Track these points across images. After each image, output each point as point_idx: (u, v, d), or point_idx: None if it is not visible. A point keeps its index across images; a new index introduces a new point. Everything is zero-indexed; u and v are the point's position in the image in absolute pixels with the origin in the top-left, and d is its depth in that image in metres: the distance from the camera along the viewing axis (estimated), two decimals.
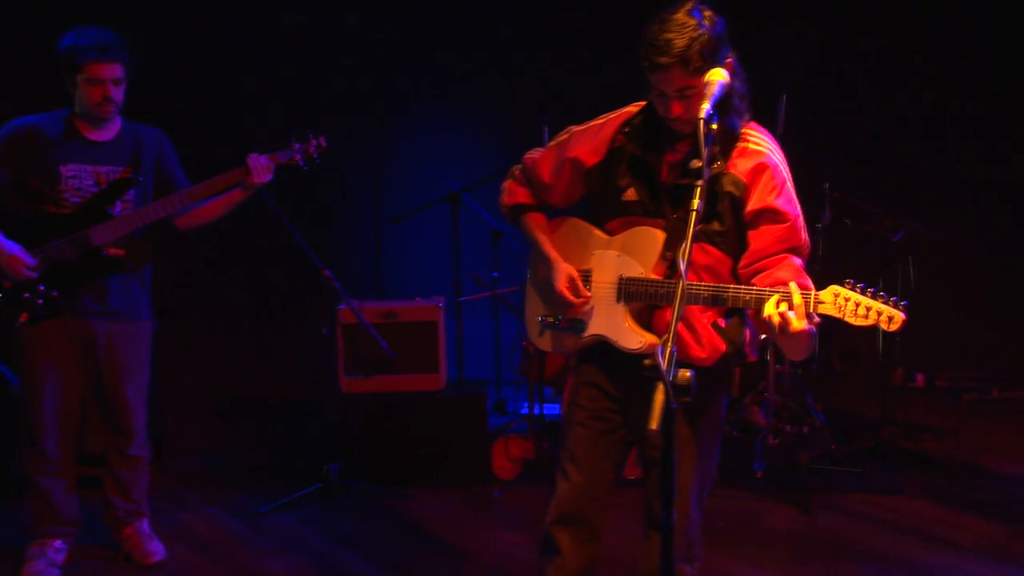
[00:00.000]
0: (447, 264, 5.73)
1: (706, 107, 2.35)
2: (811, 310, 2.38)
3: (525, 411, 5.58)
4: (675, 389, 2.04)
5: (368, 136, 6.92)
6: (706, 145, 2.29)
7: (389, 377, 5.10)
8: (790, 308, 2.37)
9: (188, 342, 6.68)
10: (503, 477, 5.11)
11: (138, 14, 6.18)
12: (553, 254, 2.84)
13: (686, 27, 2.47)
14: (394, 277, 6.89)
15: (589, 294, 2.76)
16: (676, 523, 2.78)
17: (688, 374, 2.05)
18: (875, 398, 6.00)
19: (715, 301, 2.53)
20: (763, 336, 2.72)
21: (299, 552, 4.35)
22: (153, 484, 4.30)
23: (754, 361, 2.83)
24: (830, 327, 2.51)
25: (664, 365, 2.03)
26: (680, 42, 2.46)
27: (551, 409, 5.68)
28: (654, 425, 2.00)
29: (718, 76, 2.44)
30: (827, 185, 5.33)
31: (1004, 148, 7.16)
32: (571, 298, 2.75)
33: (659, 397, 2.01)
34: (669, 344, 2.07)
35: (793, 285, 2.40)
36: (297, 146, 4.14)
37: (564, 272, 2.78)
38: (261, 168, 3.99)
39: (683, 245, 2.20)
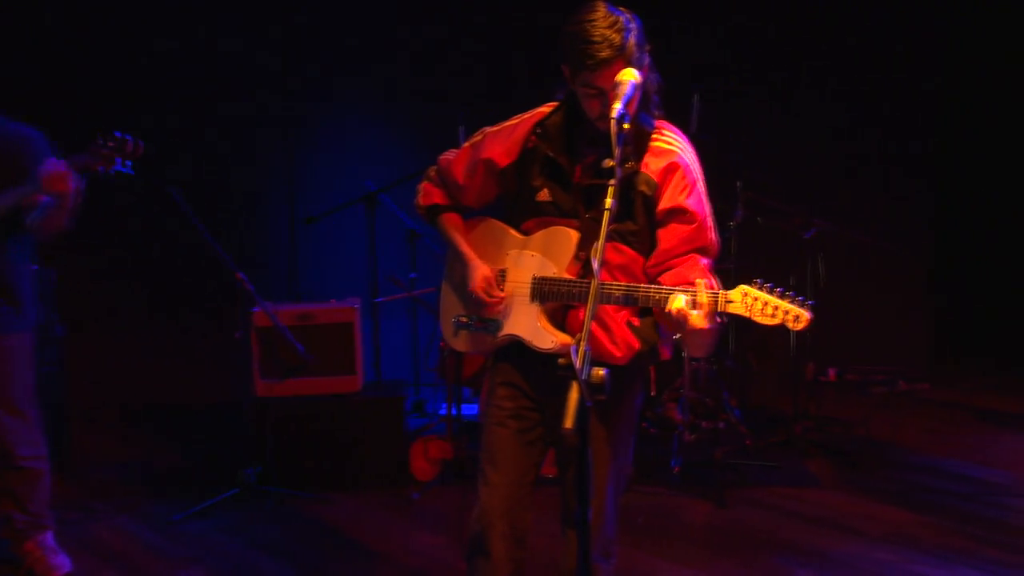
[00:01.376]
0: (364, 265, 5.69)
1: (618, 107, 2.36)
2: (720, 309, 2.41)
3: (444, 412, 5.56)
4: (589, 388, 2.04)
5: (282, 137, 6.83)
6: (619, 144, 2.29)
7: (305, 380, 5.04)
8: (695, 306, 2.40)
9: (96, 348, 6.53)
10: (422, 478, 5.09)
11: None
12: (469, 254, 2.83)
13: (617, 23, 2.49)
14: (310, 279, 6.81)
15: (503, 294, 2.76)
16: (592, 520, 2.80)
17: (602, 372, 2.05)
18: (788, 393, 6.11)
19: (628, 301, 2.54)
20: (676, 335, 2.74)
21: (215, 560, 4.27)
22: (59, 495, 4.17)
23: (668, 359, 2.84)
24: (745, 324, 2.56)
25: (578, 364, 2.03)
26: (617, 37, 2.47)
27: (469, 409, 5.67)
28: (569, 424, 1.99)
29: (629, 76, 2.46)
30: (739, 183, 5.43)
31: (913, 148, 7.38)
32: (485, 298, 2.75)
33: (573, 396, 2.01)
34: (583, 343, 2.07)
35: (700, 283, 2.42)
36: (104, 150, 3.58)
37: (480, 272, 2.77)
38: (55, 176, 3.51)
39: (596, 244, 2.21)
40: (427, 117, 6.60)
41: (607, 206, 2.24)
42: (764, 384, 6.66)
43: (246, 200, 6.84)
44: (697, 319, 2.39)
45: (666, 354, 2.80)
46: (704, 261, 2.62)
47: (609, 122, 2.50)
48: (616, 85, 2.45)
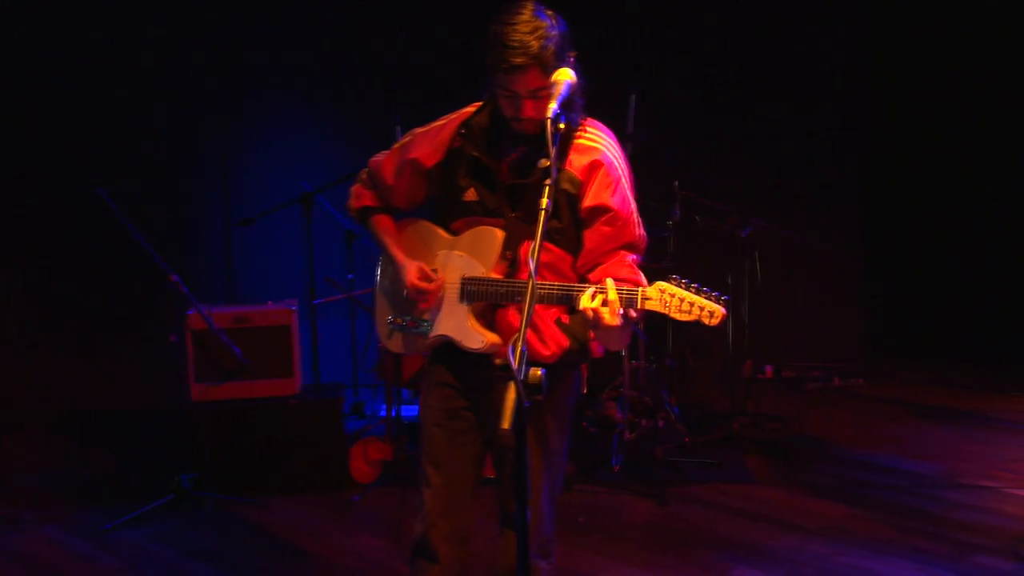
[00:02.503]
0: (301, 267, 5.62)
1: (553, 107, 2.37)
2: (639, 307, 2.42)
3: (383, 413, 5.53)
4: (526, 388, 2.04)
5: (217, 137, 6.73)
6: (554, 144, 2.30)
7: (242, 383, 4.97)
8: (605, 304, 2.41)
9: (25, 354, 6.37)
10: (362, 480, 5.05)
11: None
12: (399, 254, 2.83)
13: (538, 28, 2.47)
14: (246, 281, 6.72)
15: (441, 277, 2.74)
16: (530, 520, 2.80)
17: (539, 373, 2.05)
18: (726, 390, 6.19)
19: (561, 300, 2.54)
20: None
21: (150, 568, 4.19)
22: None
23: (601, 356, 2.86)
24: (684, 323, 2.57)
25: (515, 364, 2.02)
26: (535, 43, 2.46)
27: (409, 411, 5.64)
28: (506, 424, 1.98)
29: (565, 76, 2.47)
30: (676, 183, 5.47)
31: (845, 147, 7.51)
32: (424, 285, 2.72)
33: (510, 396, 2.00)
34: (520, 343, 2.06)
35: (609, 281, 2.43)
36: None
37: (414, 266, 2.76)
38: None
39: (533, 244, 2.20)
40: (363, 117, 6.55)
41: (543, 206, 2.25)
42: (702, 382, 6.72)
43: (180, 201, 6.72)
44: (607, 316, 2.40)
45: (598, 352, 2.81)
46: (631, 257, 2.64)
47: (523, 123, 2.56)
48: (552, 85, 2.47)
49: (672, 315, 2.40)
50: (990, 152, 7.55)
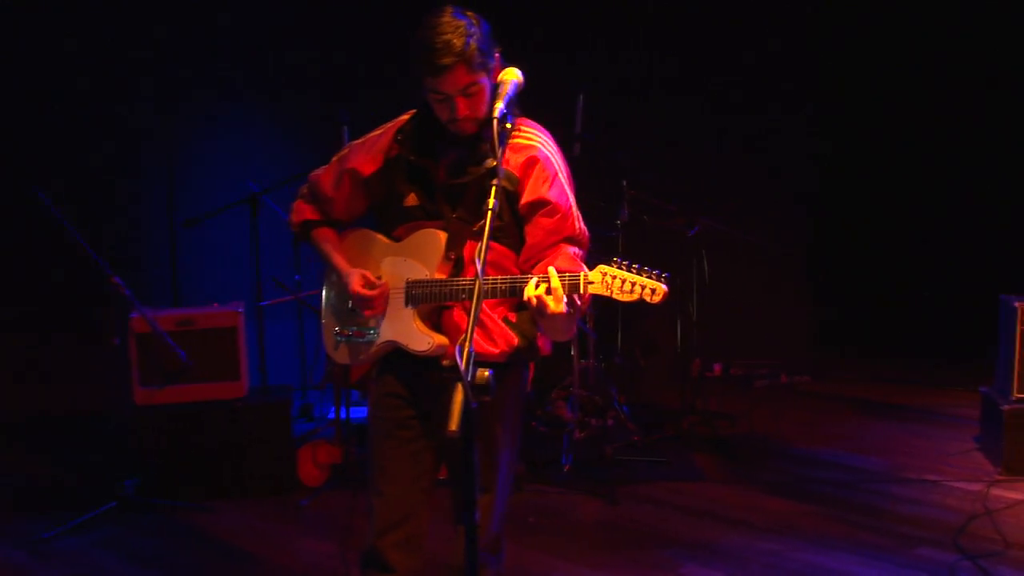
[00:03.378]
0: (247, 268, 5.55)
1: (500, 106, 2.40)
2: (583, 291, 2.43)
3: (332, 416, 5.48)
4: (474, 388, 2.03)
5: (161, 136, 6.62)
6: (501, 144, 2.32)
7: (187, 387, 4.90)
8: (548, 292, 2.41)
9: None
10: (310, 484, 5.00)
11: None
12: (342, 264, 2.82)
13: (459, 27, 2.50)
14: (191, 283, 6.62)
15: (385, 282, 2.73)
16: (481, 519, 2.80)
17: (487, 373, 2.04)
18: (675, 389, 6.23)
19: (508, 293, 2.54)
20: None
21: None
22: None
23: (548, 354, 2.87)
24: (632, 321, 2.59)
25: (462, 365, 2.01)
26: (458, 41, 2.48)
27: (358, 412, 5.59)
28: (453, 426, 1.98)
29: (512, 76, 2.50)
30: (625, 183, 5.49)
31: (792, 146, 7.59)
32: (368, 292, 2.71)
33: (458, 397, 1.99)
34: (467, 344, 2.06)
35: (551, 269, 2.43)
36: None
37: (356, 273, 2.75)
38: None
39: (479, 245, 2.21)
40: (311, 117, 6.49)
41: (490, 206, 2.25)
42: (652, 380, 6.76)
43: (122, 202, 6.60)
44: (552, 304, 2.40)
45: (546, 349, 2.83)
46: (573, 250, 2.64)
47: (459, 124, 2.58)
48: (500, 84, 2.50)
49: (615, 296, 2.42)
50: (934, 150, 7.69)
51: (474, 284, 2.43)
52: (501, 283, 2.53)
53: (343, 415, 5.18)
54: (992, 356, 5.38)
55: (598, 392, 5.76)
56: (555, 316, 2.42)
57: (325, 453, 5.06)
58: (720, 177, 7.28)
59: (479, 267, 2.17)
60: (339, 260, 2.83)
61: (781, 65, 7.46)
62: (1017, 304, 5.06)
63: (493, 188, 2.27)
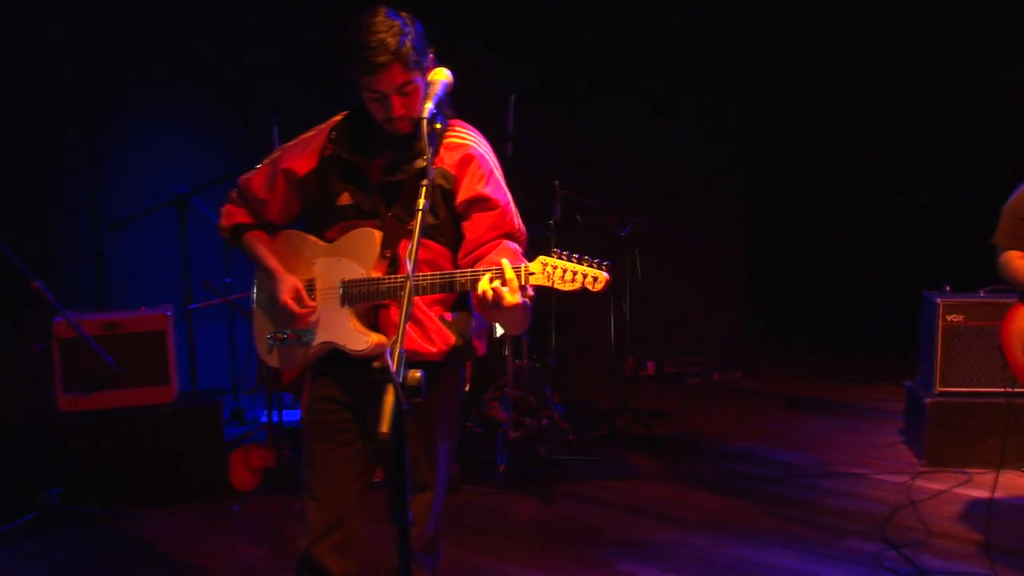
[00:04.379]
0: (176, 271, 5.46)
1: (429, 106, 2.40)
2: (523, 282, 2.43)
3: (265, 419, 5.41)
4: (405, 390, 2.02)
5: (85, 136, 6.47)
6: (431, 144, 2.32)
7: (114, 392, 4.81)
8: (503, 284, 2.42)
9: None
10: (242, 488, 4.94)
11: None
12: (276, 267, 2.79)
13: (393, 26, 2.51)
14: (118, 287, 6.47)
15: (314, 304, 2.73)
16: (417, 519, 2.80)
17: (418, 374, 2.03)
18: (609, 387, 6.27)
19: (444, 288, 2.55)
20: (499, 330, 2.79)
21: None
22: None
23: (484, 355, 2.88)
24: (566, 321, 2.62)
25: (393, 366, 2.00)
26: (393, 40, 2.48)
27: (291, 415, 5.54)
28: (385, 428, 1.96)
29: (441, 76, 2.51)
30: (557, 183, 5.51)
31: (724, 146, 7.68)
32: (296, 309, 2.70)
33: (389, 399, 1.98)
34: (398, 345, 2.04)
35: (505, 261, 2.44)
36: None
37: (288, 284, 2.73)
38: None
39: (410, 244, 2.21)
40: (240, 118, 6.41)
41: (419, 205, 2.25)
42: (585, 380, 6.80)
43: (44, 204, 6.43)
44: (508, 295, 2.41)
45: (481, 349, 2.84)
46: (513, 245, 2.66)
47: (395, 123, 2.58)
48: (429, 84, 2.51)
49: (557, 286, 2.42)
50: (861, 150, 7.85)
51: (415, 283, 2.43)
52: (436, 279, 2.54)
53: (275, 418, 5.12)
54: (916, 351, 5.51)
55: (532, 392, 5.77)
56: (512, 308, 2.42)
57: (257, 457, 5.00)
58: (652, 176, 7.34)
59: (410, 266, 2.16)
60: (273, 263, 2.80)
61: (710, 65, 7.55)
62: (938, 300, 5.18)
63: (423, 188, 2.27)
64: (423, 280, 2.54)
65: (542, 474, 5.09)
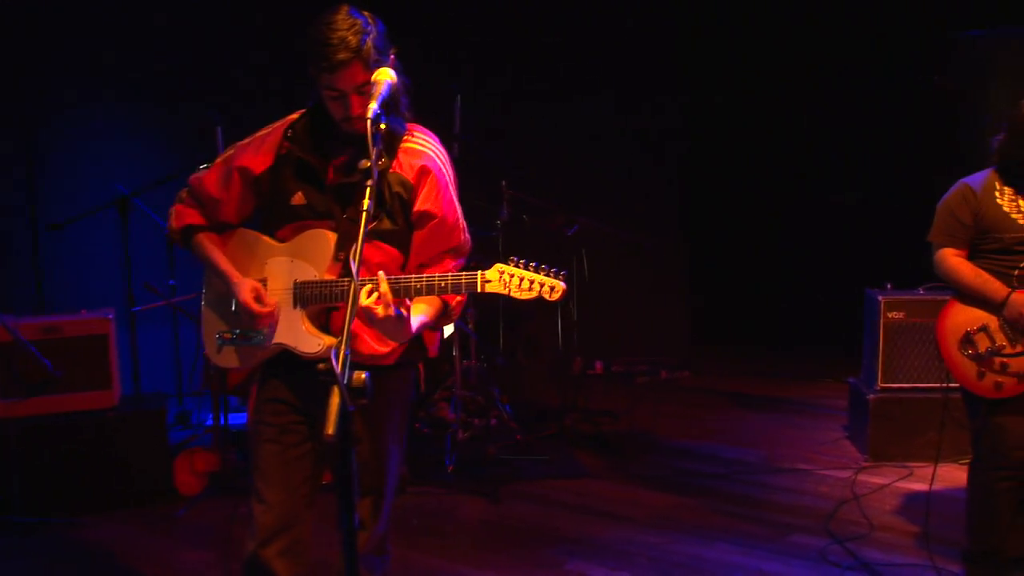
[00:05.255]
0: (118, 273, 5.37)
1: (373, 106, 2.37)
2: (480, 289, 2.45)
3: (210, 422, 5.34)
4: (350, 392, 2.00)
5: (20, 136, 6.33)
6: (375, 145, 2.30)
7: (54, 397, 4.70)
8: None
9: None
10: (187, 493, 4.87)
11: None
12: (230, 271, 2.75)
13: (355, 24, 2.49)
14: (58, 290, 6.34)
15: (275, 302, 2.70)
16: (367, 520, 2.79)
17: (363, 376, 2.01)
18: (557, 387, 6.28)
19: (396, 293, 2.52)
20: (448, 331, 2.80)
21: None
22: None
23: (435, 356, 2.88)
24: (514, 321, 2.63)
25: (338, 368, 1.98)
26: (354, 39, 2.47)
27: (237, 418, 5.47)
28: (330, 430, 1.95)
29: (386, 76, 2.48)
30: (504, 183, 5.52)
31: (667, 147, 7.73)
32: (258, 309, 2.66)
33: (334, 401, 1.97)
34: (343, 347, 2.03)
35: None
36: None
37: (247, 285, 2.69)
38: None
39: (354, 246, 2.18)
40: (184, 117, 6.31)
41: (364, 207, 2.23)
42: (534, 379, 6.80)
43: None
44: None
45: (433, 351, 2.83)
46: (454, 263, 2.70)
47: (353, 123, 2.56)
48: (372, 84, 2.47)
49: (514, 294, 2.44)
50: (804, 149, 7.97)
51: (361, 284, 2.46)
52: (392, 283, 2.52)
53: (221, 421, 5.05)
54: (859, 348, 5.60)
55: (480, 392, 5.77)
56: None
57: (203, 461, 4.94)
58: (598, 176, 7.37)
59: (354, 269, 2.15)
60: (227, 266, 2.76)
61: (653, 67, 7.59)
62: (880, 298, 5.27)
63: (367, 190, 2.25)
64: (366, 284, 2.52)
65: (491, 474, 5.09)
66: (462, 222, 2.74)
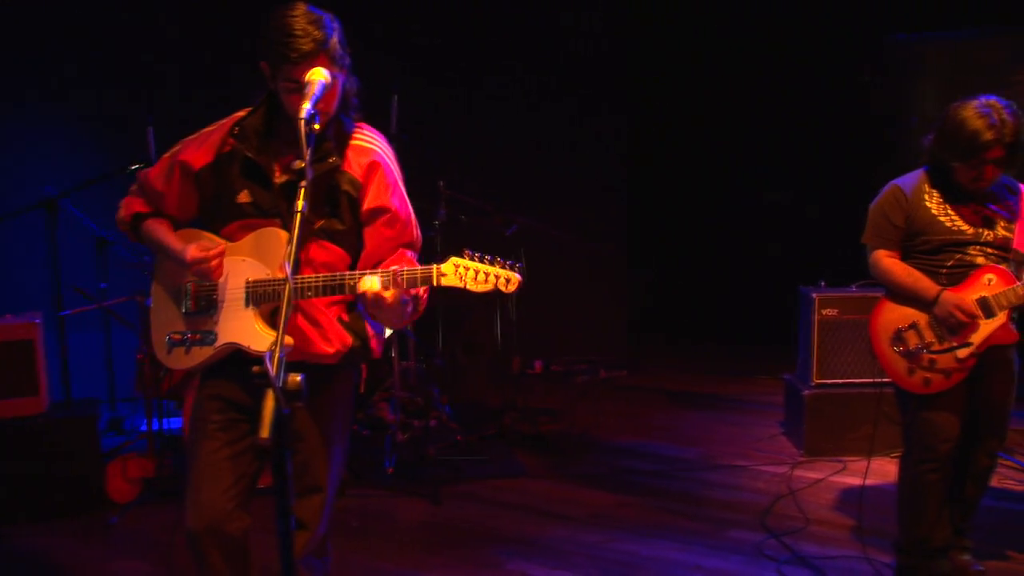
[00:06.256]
0: (45, 277, 5.24)
1: (307, 106, 2.36)
2: (435, 282, 2.46)
3: (144, 428, 5.24)
4: (286, 394, 1.98)
5: None
6: (309, 145, 2.28)
7: None
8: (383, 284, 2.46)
9: None
10: (120, 500, 4.77)
11: None
12: (176, 242, 2.73)
13: (319, 19, 2.52)
14: None
15: (222, 245, 2.68)
16: (308, 522, 2.77)
17: (298, 378, 2.00)
18: (497, 387, 6.28)
19: (328, 291, 2.55)
20: (386, 332, 2.80)
21: None
22: None
23: (379, 357, 2.88)
24: (452, 321, 2.66)
25: (272, 371, 1.96)
26: (320, 33, 2.49)
27: (172, 423, 5.38)
28: (265, 433, 1.93)
29: (318, 75, 2.47)
30: (442, 183, 5.50)
31: (610, 145, 7.77)
32: (206, 255, 2.63)
33: (269, 404, 1.95)
34: (277, 349, 2.01)
35: (386, 263, 2.49)
36: None
37: (193, 245, 2.67)
38: None
39: (288, 248, 2.18)
40: (114, 118, 6.19)
41: (298, 208, 2.22)
42: (473, 380, 6.80)
43: None
44: (388, 295, 2.46)
45: (377, 351, 2.84)
46: (411, 254, 2.71)
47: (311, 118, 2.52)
48: (305, 85, 2.46)
49: (470, 287, 2.46)
50: (740, 149, 8.07)
51: (313, 281, 2.52)
52: (318, 282, 2.54)
53: (156, 426, 4.96)
54: (795, 345, 5.68)
55: (420, 393, 5.75)
56: (392, 307, 2.47)
57: (136, 467, 4.84)
58: (536, 177, 7.39)
59: (288, 269, 2.13)
60: (172, 240, 2.74)
61: (593, 69, 7.64)
62: (814, 295, 5.35)
63: (301, 190, 2.23)
64: (303, 282, 2.54)
65: (431, 475, 5.07)
66: (414, 219, 2.76)
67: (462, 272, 2.45)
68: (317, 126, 2.35)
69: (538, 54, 7.44)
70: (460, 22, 7.23)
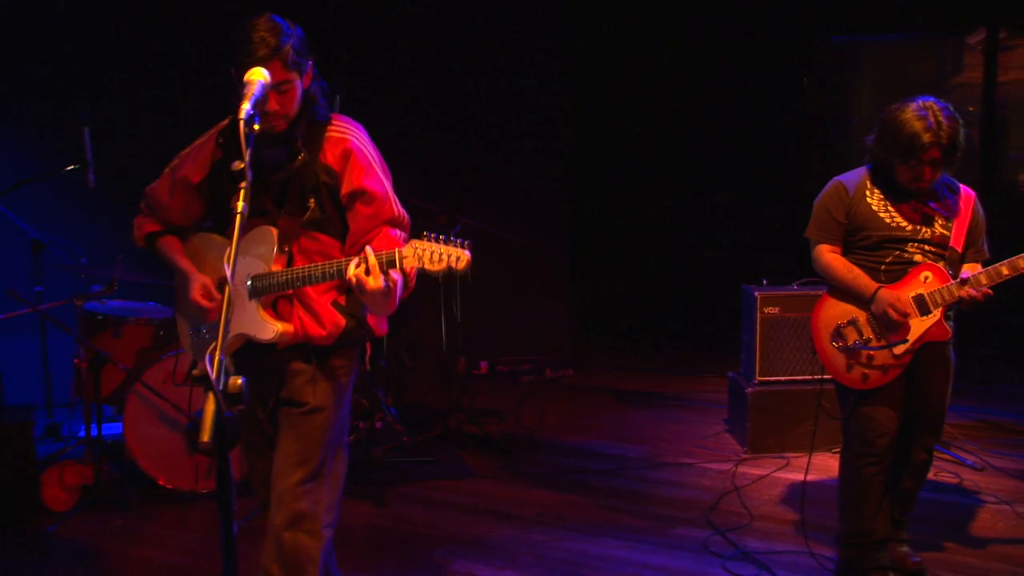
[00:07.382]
0: None
1: (246, 107, 2.38)
2: (399, 265, 2.61)
3: (83, 434, 5.14)
4: (227, 397, 1.97)
5: None
6: (248, 147, 2.28)
7: None
8: (367, 271, 2.60)
9: None
10: (57, 508, 4.66)
11: None
12: (187, 268, 2.98)
13: (277, 27, 2.71)
14: None
15: (220, 296, 2.87)
16: (311, 508, 2.97)
17: (239, 382, 1.99)
18: (442, 388, 6.26)
19: (326, 278, 2.73)
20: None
21: None
22: None
23: (383, 334, 3.05)
24: (397, 322, 2.72)
25: (213, 373, 1.94)
26: (274, 39, 2.67)
27: (111, 429, 5.28)
28: (206, 437, 1.91)
29: (258, 76, 2.53)
30: None
31: (552, 146, 7.78)
32: (205, 303, 2.90)
33: (209, 408, 1.93)
34: (217, 352, 1.99)
35: (368, 248, 2.62)
36: None
37: (198, 283, 2.93)
38: None
39: (229, 249, 2.19)
40: (47, 117, 6.06)
41: (238, 209, 2.22)
42: (418, 381, 6.77)
43: None
44: (371, 280, 2.60)
45: (379, 329, 3.00)
46: (395, 232, 2.85)
47: (270, 120, 2.75)
48: (244, 85, 2.50)
49: (427, 267, 2.60)
50: (677, 150, 8.15)
51: (306, 271, 2.74)
52: (316, 271, 2.74)
53: (95, 432, 4.86)
54: (738, 343, 5.74)
55: (365, 395, 5.70)
56: (374, 292, 2.61)
57: (74, 474, 4.74)
58: (479, 177, 7.39)
59: (228, 271, 2.11)
60: (185, 264, 3.00)
61: (535, 69, 7.65)
62: (757, 294, 5.42)
63: (241, 191, 2.22)
64: (304, 272, 2.75)
65: (376, 477, 5.04)
66: (393, 196, 2.90)
67: (420, 253, 2.58)
68: (257, 126, 2.34)
69: (479, 54, 7.44)
70: (402, 24, 7.20)
